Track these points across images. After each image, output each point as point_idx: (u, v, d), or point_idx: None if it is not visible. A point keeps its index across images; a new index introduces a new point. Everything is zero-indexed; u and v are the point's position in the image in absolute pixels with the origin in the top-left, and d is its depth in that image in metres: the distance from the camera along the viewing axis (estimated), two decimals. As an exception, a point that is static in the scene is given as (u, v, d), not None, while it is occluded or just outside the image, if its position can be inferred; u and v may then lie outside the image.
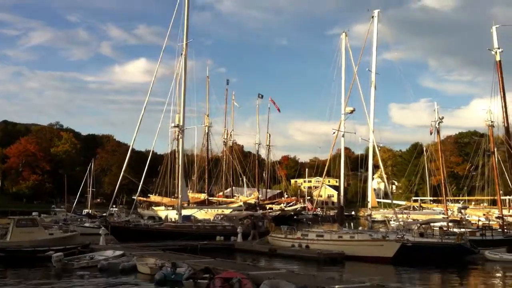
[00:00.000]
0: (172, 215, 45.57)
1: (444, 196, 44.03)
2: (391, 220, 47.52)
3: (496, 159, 64.23)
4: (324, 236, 32.49)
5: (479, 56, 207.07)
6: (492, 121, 41.09)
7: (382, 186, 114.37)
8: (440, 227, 33.82)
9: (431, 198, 75.31)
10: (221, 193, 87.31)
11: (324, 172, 43.72)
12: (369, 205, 36.46)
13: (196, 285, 17.59)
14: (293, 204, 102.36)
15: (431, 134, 46.40)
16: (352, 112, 36.03)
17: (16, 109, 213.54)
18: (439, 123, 45.83)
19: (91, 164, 79.10)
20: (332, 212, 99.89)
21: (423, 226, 33.73)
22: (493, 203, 55.27)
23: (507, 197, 44.70)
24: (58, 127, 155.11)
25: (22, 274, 21.88)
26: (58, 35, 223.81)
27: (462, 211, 43.96)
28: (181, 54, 41.01)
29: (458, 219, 39.68)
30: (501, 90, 42.13)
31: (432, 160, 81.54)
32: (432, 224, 34.76)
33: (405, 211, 39.50)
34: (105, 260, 23.47)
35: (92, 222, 48.99)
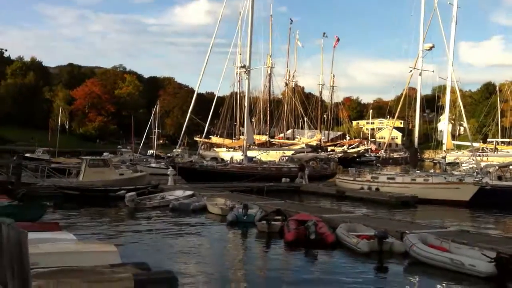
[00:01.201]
0: (237, 156, 45.43)
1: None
2: (463, 163, 45.80)
3: None
4: (396, 179, 31.41)
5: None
6: None
7: (450, 127, 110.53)
8: (520, 170, 31.96)
9: (502, 140, 72.10)
10: (281, 135, 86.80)
11: (396, 114, 41.40)
12: (444, 147, 34.78)
13: (270, 227, 17.11)
14: (356, 146, 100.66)
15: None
16: (431, 48, 33.73)
17: (81, 52, 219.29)
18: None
19: (156, 106, 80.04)
20: (396, 154, 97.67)
21: (502, 169, 31.99)
22: None
23: None
24: (122, 69, 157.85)
25: (97, 212, 22.23)
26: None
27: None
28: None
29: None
30: None
31: (503, 101, 77.55)
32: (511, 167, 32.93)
33: (483, 153, 37.48)
34: (176, 200, 23.54)
35: (158, 162, 49.76)
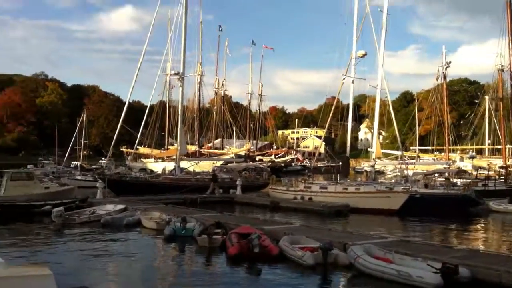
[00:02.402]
0: (168, 167, 44.48)
1: (447, 145, 43.25)
2: (388, 171, 47.18)
3: (488, 107, 63.85)
4: (328, 188, 31.79)
5: (469, 1, 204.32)
6: (502, 65, 39.61)
7: (369, 136, 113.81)
8: (446, 178, 33.21)
9: (421, 148, 74.93)
10: (209, 145, 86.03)
11: (327, 123, 41.80)
12: (373, 156, 35.56)
13: (211, 241, 16.57)
14: (283, 155, 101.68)
15: (437, 79, 45.04)
16: (363, 56, 34.40)
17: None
18: (446, 68, 44.41)
19: (83, 115, 77.13)
20: (320, 163, 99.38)
21: (428, 177, 33.15)
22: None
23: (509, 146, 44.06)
24: (43, 77, 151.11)
25: (20, 230, 20.79)
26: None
27: (466, 161, 43.27)
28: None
29: (466, 169, 39.07)
30: (509, 32, 40.18)
31: (420, 110, 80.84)
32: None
33: (411, 161, 38.71)
34: (107, 215, 22.47)
35: (84, 174, 47.77)
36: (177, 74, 40.99)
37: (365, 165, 68.08)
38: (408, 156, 58.27)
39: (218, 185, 34.51)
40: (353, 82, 35.36)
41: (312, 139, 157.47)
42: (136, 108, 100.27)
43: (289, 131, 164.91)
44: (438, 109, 57.99)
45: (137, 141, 47.20)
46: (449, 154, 46.40)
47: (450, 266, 11.75)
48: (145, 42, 40.48)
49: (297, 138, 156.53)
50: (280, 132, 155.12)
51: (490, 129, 60.40)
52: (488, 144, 60.18)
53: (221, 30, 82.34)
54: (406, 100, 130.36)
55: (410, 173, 38.19)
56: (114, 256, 16.00)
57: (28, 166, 53.73)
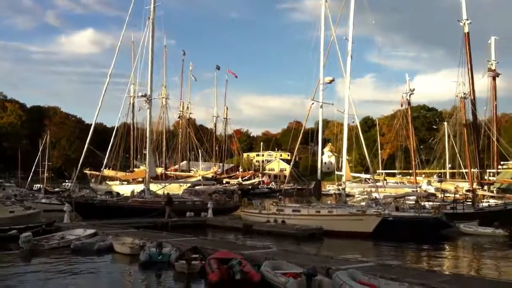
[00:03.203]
0: (135, 190, 43.62)
1: (414, 169, 43.87)
2: (355, 194, 47.42)
3: (447, 133, 65.40)
4: (301, 211, 31.62)
5: (424, 33, 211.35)
6: (464, 93, 40.80)
7: (332, 159, 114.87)
8: (416, 201, 33.55)
9: (386, 171, 75.91)
10: (175, 167, 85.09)
11: (297, 146, 41.93)
12: (343, 178, 35.70)
13: (190, 267, 16.06)
14: (249, 178, 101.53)
15: (401, 105, 46.03)
16: (331, 82, 34.84)
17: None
18: (410, 95, 45.43)
19: (46, 136, 75.38)
20: (286, 186, 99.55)
21: (398, 199, 33.40)
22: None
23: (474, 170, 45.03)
24: (2, 97, 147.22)
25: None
26: (1, 3, 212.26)
27: (434, 184, 43.97)
28: (148, 18, 38.60)
29: (433, 192, 39.66)
30: (468, 62, 41.75)
31: (381, 135, 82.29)
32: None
33: (379, 184, 39.06)
34: (77, 240, 21.62)
35: (48, 197, 46.33)
36: (145, 96, 40.61)
37: (330, 188, 68.54)
38: (372, 179, 59.01)
39: (173, 208, 33.52)
40: (321, 107, 35.69)
41: (277, 162, 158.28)
42: (99, 130, 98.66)
43: (254, 154, 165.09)
44: (399, 134, 59.14)
45: (104, 163, 46.18)
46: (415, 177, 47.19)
47: (438, 291, 11.64)
48: (111, 65, 40.35)
49: (262, 161, 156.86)
50: (245, 155, 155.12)
51: (449, 153, 61.83)
52: (449, 168, 61.44)
53: (184, 54, 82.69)
54: (367, 125, 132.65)
55: (377, 195, 38.54)
56: (88, 285, 15.30)
57: (-9, 190, 51.84)
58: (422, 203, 35.65)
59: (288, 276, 14.29)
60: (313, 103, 35.16)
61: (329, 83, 34.83)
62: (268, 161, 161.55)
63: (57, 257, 19.46)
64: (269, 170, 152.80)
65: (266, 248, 20.45)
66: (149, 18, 38.62)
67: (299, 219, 30.80)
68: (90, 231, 23.57)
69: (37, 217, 29.61)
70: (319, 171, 35.92)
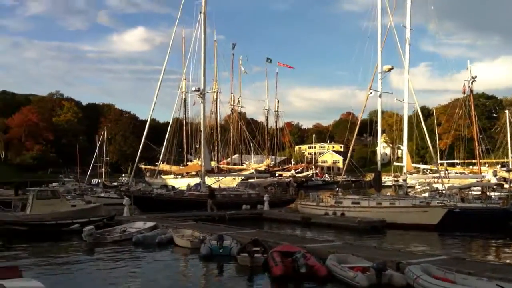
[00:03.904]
0: (194, 183, 43.91)
1: (478, 158, 42.08)
2: (416, 185, 45.92)
3: (508, 121, 62.63)
4: (361, 203, 30.74)
5: (479, 20, 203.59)
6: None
7: (387, 150, 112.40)
8: (483, 191, 32.01)
9: (447, 161, 73.58)
10: (227, 160, 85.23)
11: (353, 140, 40.79)
12: (404, 169, 34.53)
13: (253, 260, 15.65)
14: (302, 170, 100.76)
15: (464, 93, 44.17)
16: (390, 70, 33.63)
17: (14, 80, 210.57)
18: (472, 82, 43.58)
19: (103, 133, 77.23)
20: (339, 178, 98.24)
21: (463, 190, 31.96)
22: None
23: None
24: (59, 96, 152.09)
25: (51, 250, 20.01)
26: (55, 4, 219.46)
27: (500, 174, 42.03)
28: (200, 12, 38.59)
29: (500, 182, 37.79)
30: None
31: (438, 125, 79.53)
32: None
33: (445, 175, 37.62)
34: (139, 233, 21.68)
35: (107, 192, 47.22)
36: (198, 90, 40.69)
37: (386, 179, 66.97)
38: (430, 170, 57.14)
39: (215, 201, 33.14)
40: (380, 96, 34.54)
41: (330, 154, 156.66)
42: (152, 125, 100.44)
43: (305, 146, 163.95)
44: (457, 124, 56.93)
45: (161, 158, 46.67)
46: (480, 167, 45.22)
47: (524, 286, 10.76)
48: (164, 62, 40.73)
49: (314, 153, 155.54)
50: (296, 147, 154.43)
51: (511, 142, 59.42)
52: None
53: (234, 47, 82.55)
54: (423, 114, 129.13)
55: (440, 186, 37.09)
56: (152, 277, 15.15)
57: (54, 184, 53.36)
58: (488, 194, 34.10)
59: (355, 270, 13.68)
60: (371, 93, 34.03)
61: (387, 71, 33.54)
62: (321, 153, 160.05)
63: (119, 249, 19.56)
64: (321, 162, 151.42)
65: (328, 241, 19.80)
66: (200, 12, 38.68)
67: (359, 211, 29.99)
68: (150, 224, 23.62)
69: (98, 210, 30.02)
70: (379, 162, 34.85)
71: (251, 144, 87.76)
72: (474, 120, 45.65)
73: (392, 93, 34.85)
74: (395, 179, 54.10)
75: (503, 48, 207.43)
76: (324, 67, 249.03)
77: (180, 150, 78.90)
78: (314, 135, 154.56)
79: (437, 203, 29.05)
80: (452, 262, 14.49)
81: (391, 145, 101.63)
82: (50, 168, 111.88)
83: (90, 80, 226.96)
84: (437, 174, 40.75)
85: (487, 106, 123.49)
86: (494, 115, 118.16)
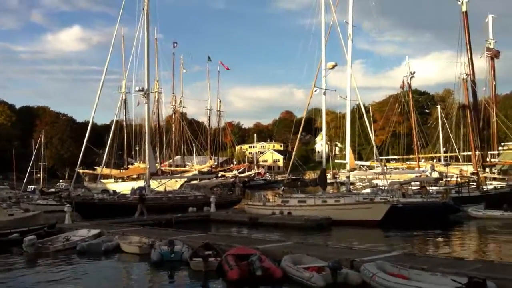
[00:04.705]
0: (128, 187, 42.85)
1: (417, 153, 43.35)
2: (356, 182, 46.88)
3: (440, 116, 65.03)
4: (307, 202, 31.05)
5: (411, 17, 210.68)
6: (466, 74, 40.24)
7: (326, 148, 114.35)
8: (423, 186, 33.04)
9: (386, 157, 75.45)
10: (169, 162, 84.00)
11: (300, 131, 40.87)
12: (347, 167, 35.13)
13: (207, 264, 15.34)
14: (244, 170, 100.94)
15: (402, 89, 45.52)
16: (333, 67, 33.99)
17: None
18: (410, 78, 44.91)
19: (40, 137, 74.16)
20: (280, 177, 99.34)
21: (403, 186, 32.89)
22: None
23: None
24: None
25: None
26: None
27: (438, 169, 43.48)
28: (142, 9, 37.64)
29: (439, 177, 39.16)
30: (467, 43, 41.22)
31: (373, 121, 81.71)
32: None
33: (388, 171, 38.55)
34: (83, 241, 20.84)
35: (44, 198, 45.38)
36: (142, 90, 39.69)
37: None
38: (367, 166, 58.56)
39: (145, 205, 32.22)
40: (324, 93, 34.83)
41: (270, 153, 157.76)
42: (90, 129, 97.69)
43: (246, 146, 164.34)
44: (393, 120, 58.64)
45: (104, 162, 45.25)
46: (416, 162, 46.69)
47: (477, 280, 11.02)
48: (106, 62, 39.43)
49: (255, 153, 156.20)
50: (238, 147, 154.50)
51: (443, 137, 61.68)
52: (443, 152, 61.18)
53: (175, 46, 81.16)
54: (359, 111, 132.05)
55: (379, 182, 38.03)
56: (99, 286, 14.58)
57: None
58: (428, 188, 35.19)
59: (311, 270, 13.67)
60: (316, 90, 34.27)
61: (331, 68, 33.84)
62: (261, 153, 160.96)
63: (64, 259, 18.67)
64: (262, 161, 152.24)
65: (280, 241, 19.75)
66: (143, 9, 37.70)
67: (305, 209, 30.28)
68: (95, 231, 22.78)
69: (38, 219, 28.73)
70: (323, 160, 35.25)
71: (194, 145, 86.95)
72: (413, 114, 47.04)
73: (336, 90, 35.34)
74: (335, 176, 55.16)
75: (433, 44, 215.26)
76: (263, 65, 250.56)
77: (120, 153, 77.03)
78: (255, 135, 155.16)
79: (380, 199, 29.73)
80: (404, 258, 14.72)
81: (329, 142, 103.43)
82: None
83: (23, 82, 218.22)
84: (374, 170, 41.86)
85: (419, 102, 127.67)
86: (427, 110, 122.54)
